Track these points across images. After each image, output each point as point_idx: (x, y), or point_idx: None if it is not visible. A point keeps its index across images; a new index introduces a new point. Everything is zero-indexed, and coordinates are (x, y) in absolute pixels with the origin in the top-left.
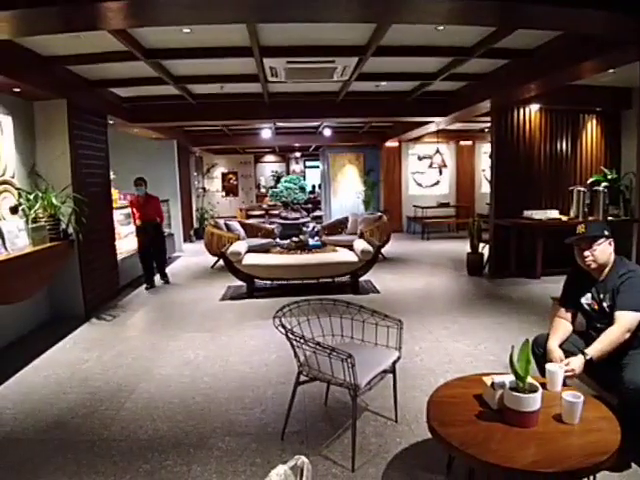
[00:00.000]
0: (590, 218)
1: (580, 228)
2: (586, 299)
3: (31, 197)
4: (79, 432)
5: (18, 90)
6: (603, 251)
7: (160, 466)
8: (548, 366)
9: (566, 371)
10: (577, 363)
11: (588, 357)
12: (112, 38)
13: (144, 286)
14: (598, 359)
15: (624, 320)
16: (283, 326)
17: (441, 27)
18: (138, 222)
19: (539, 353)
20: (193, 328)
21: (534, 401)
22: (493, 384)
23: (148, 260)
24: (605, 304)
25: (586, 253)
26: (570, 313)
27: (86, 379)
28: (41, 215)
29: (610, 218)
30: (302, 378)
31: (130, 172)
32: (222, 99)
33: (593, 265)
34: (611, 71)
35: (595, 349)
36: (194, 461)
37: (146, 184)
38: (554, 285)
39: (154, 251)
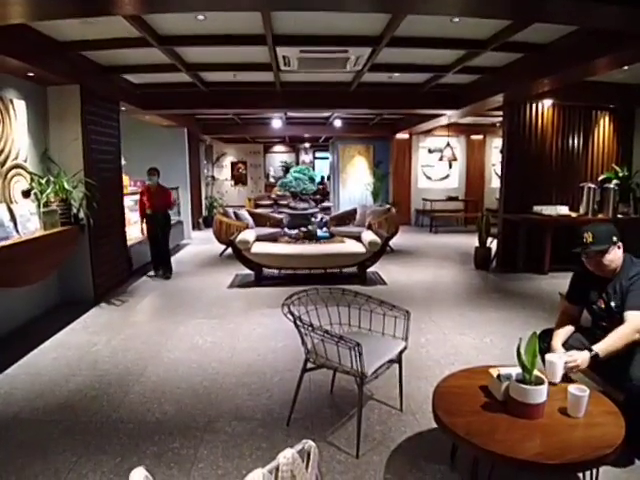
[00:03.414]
0: (600, 215)
1: (587, 237)
2: (593, 298)
3: (43, 181)
4: (87, 414)
5: (32, 75)
6: (612, 259)
7: (167, 448)
8: (548, 356)
9: (568, 362)
10: (582, 357)
11: (593, 353)
12: (127, 24)
13: (152, 273)
14: (605, 357)
15: (634, 320)
16: (291, 313)
17: (456, 19)
18: (148, 211)
19: (543, 347)
20: (201, 314)
21: (540, 393)
22: (499, 376)
23: (155, 248)
24: (613, 304)
25: (600, 263)
26: (576, 309)
27: (95, 362)
28: (52, 199)
29: (620, 216)
30: (309, 365)
31: (141, 159)
32: (234, 87)
33: (603, 273)
34: (625, 68)
35: (602, 347)
36: (201, 444)
37: (159, 174)
38: (562, 281)
39: (162, 240)
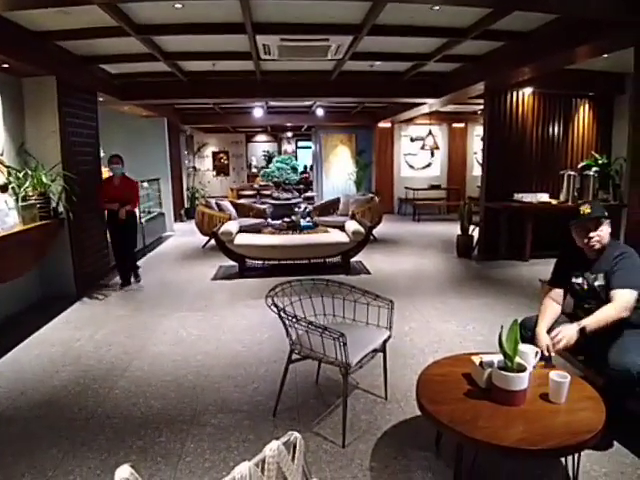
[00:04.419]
0: (580, 202)
1: (585, 209)
2: (576, 278)
3: (21, 175)
4: (72, 410)
5: (6, 66)
6: (603, 235)
7: (153, 443)
8: (520, 347)
9: (554, 338)
10: (570, 332)
11: (581, 326)
12: (103, 13)
13: (119, 281)
14: (591, 332)
15: (621, 298)
16: (275, 305)
17: (437, 7)
18: (109, 206)
19: (527, 336)
20: (185, 307)
21: (522, 380)
22: (482, 363)
23: (120, 254)
24: (597, 283)
25: (592, 234)
26: (560, 293)
27: (79, 357)
28: (31, 193)
29: (600, 203)
30: (294, 356)
31: (120, 150)
32: (214, 76)
33: (597, 246)
34: (605, 56)
35: (590, 321)
36: (187, 438)
37: (123, 163)
38: (543, 267)
39: (125, 244)
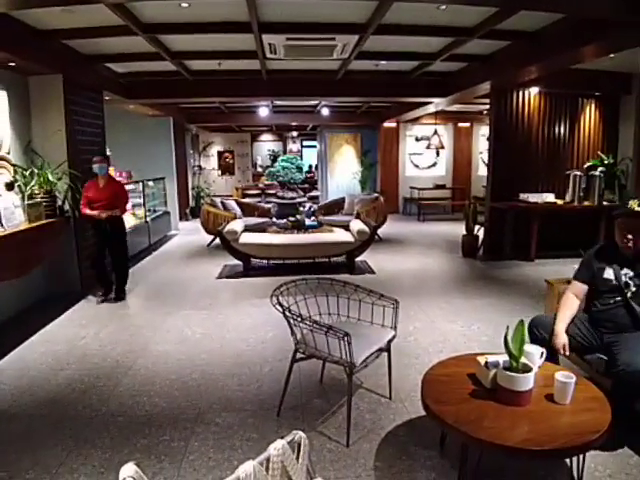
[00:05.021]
0: (585, 203)
1: (633, 204)
2: (607, 274)
3: (27, 173)
4: (77, 408)
5: (13, 64)
6: None
7: (157, 441)
8: (526, 347)
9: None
10: None
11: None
12: (109, 12)
13: (97, 298)
14: None
15: None
16: (280, 304)
17: (444, 6)
18: (89, 212)
19: (540, 336)
20: (190, 306)
21: (527, 381)
22: (487, 363)
23: (100, 264)
24: (625, 278)
25: (633, 228)
26: (583, 289)
27: (83, 355)
28: (37, 191)
29: (605, 203)
30: (298, 355)
31: (125, 149)
32: (219, 76)
33: (632, 245)
34: (611, 56)
35: None
36: (191, 436)
37: (109, 162)
38: (548, 268)
39: (112, 254)
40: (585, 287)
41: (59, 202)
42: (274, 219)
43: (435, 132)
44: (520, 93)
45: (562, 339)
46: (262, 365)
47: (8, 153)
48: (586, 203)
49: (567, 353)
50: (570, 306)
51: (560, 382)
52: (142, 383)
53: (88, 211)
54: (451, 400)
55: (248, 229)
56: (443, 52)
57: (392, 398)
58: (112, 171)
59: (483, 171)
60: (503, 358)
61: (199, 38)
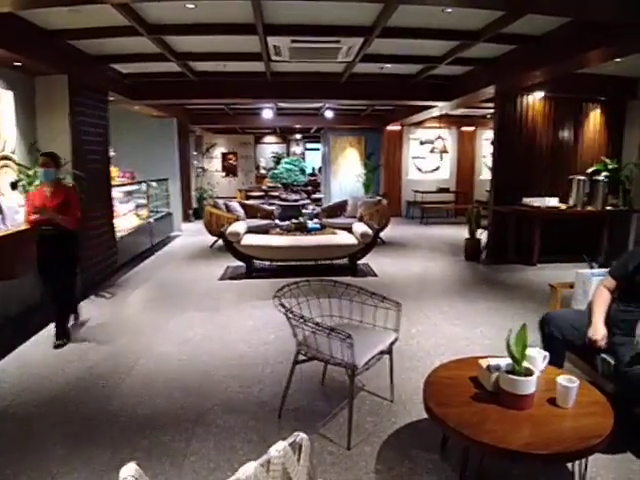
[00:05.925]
0: (589, 208)
1: None
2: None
3: (31, 173)
4: (78, 407)
5: (19, 64)
6: None
7: (158, 442)
8: (529, 351)
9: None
10: None
11: None
12: (115, 13)
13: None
14: None
15: None
16: (283, 305)
17: (449, 9)
18: (32, 224)
19: (558, 336)
20: (192, 307)
21: (529, 384)
22: (489, 367)
23: (49, 286)
24: None
25: None
26: (615, 285)
27: (85, 356)
28: None
29: (609, 208)
30: (300, 357)
31: (129, 150)
32: (224, 77)
33: None
34: (617, 60)
35: None
36: (192, 438)
37: (58, 164)
38: (551, 272)
39: (58, 275)
40: (615, 283)
41: None
42: (277, 221)
43: (439, 136)
44: (525, 97)
45: (603, 331)
46: (264, 367)
47: (13, 152)
48: (589, 208)
49: (604, 345)
50: (605, 300)
51: (563, 386)
52: (143, 383)
53: (32, 217)
54: (453, 403)
55: (251, 231)
56: (448, 55)
57: (394, 401)
58: (116, 171)
59: (486, 175)
60: (505, 361)
61: (204, 39)
